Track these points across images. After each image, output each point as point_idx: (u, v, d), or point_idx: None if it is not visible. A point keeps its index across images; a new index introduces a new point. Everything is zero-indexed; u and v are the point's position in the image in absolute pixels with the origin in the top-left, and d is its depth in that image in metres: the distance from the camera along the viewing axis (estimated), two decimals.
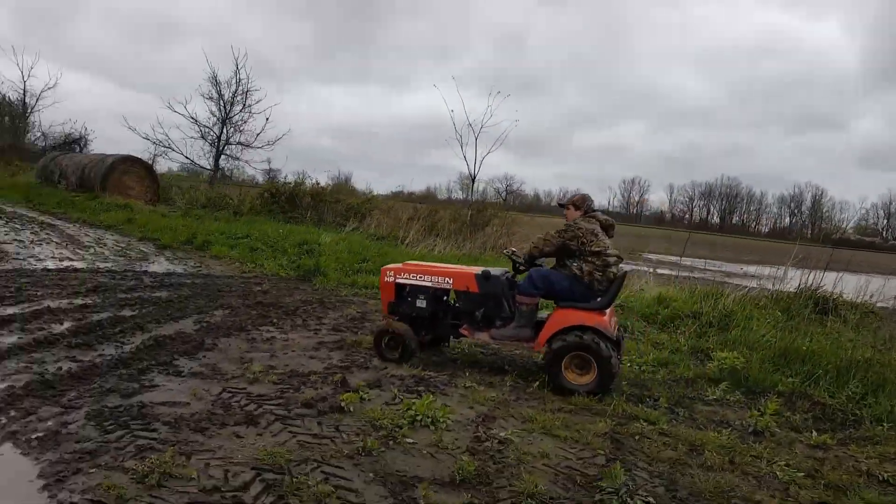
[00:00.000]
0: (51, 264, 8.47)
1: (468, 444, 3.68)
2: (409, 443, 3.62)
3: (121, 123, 26.98)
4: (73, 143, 34.02)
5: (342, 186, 18.34)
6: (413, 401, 4.15)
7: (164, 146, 23.15)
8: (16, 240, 10.56)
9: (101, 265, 8.85)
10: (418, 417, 3.95)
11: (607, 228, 5.35)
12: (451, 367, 5.39)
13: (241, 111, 23.97)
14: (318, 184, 17.62)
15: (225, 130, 23.98)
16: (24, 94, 37.04)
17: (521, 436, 3.89)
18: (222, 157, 24.12)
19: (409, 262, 6.21)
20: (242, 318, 6.33)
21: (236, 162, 24.54)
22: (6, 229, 11.92)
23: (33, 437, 3.19)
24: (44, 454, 3.02)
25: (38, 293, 6.51)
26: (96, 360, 4.54)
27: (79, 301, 6.36)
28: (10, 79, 45.69)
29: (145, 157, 22.94)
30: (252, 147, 23.88)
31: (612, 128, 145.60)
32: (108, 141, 62.39)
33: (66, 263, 8.66)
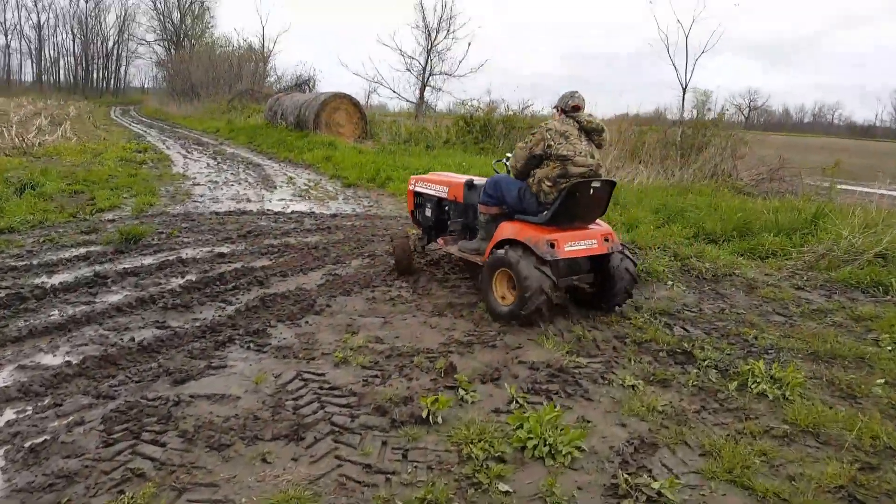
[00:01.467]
0: (225, 207, 8.47)
1: (599, 498, 2.35)
2: (503, 492, 2.40)
3: (339, 63, 27.97)
4: (302, 84, 36.42)
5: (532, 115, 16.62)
6: (530, 412, 2.88)
7: (375, 82, 23.40)
8: (212, 181, 11.02)
9: (271, 207, 8.68)
10: (531, 442, 2.69)
11: (590, 133, 4.47)
12: (612, 349, 3.95)
13: (444, 37, 23.32)
14: (508, 109, 16.28)
15: (429, 60, 23.56)
16: (263, 40, 40.54)
17: (689, 488, 2.44)
18: (427, 88, 23.81)
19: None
20: (378, 270, 5.49)
21: (439, 93, 24.09)
22: (212, 170, 12.63)
23: (27, 445, 2.57)
24: (17, 475, 2.37)
25: (187, 240, 6.32)
26: (185, 327, 3.98)
27: (220, 248, 6.02)
28: (251, 24, 50.24)
29: (361, 94, 23.57)
30: (454, 76, 23.17)
31: (884, 26, 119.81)
32: (330, 83, 66.54)
33: (241, 206, 8.62)
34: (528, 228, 4.36)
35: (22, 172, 9.06)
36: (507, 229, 4.46)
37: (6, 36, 63.43)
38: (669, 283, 5.42)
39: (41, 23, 64.67)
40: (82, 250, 5.68)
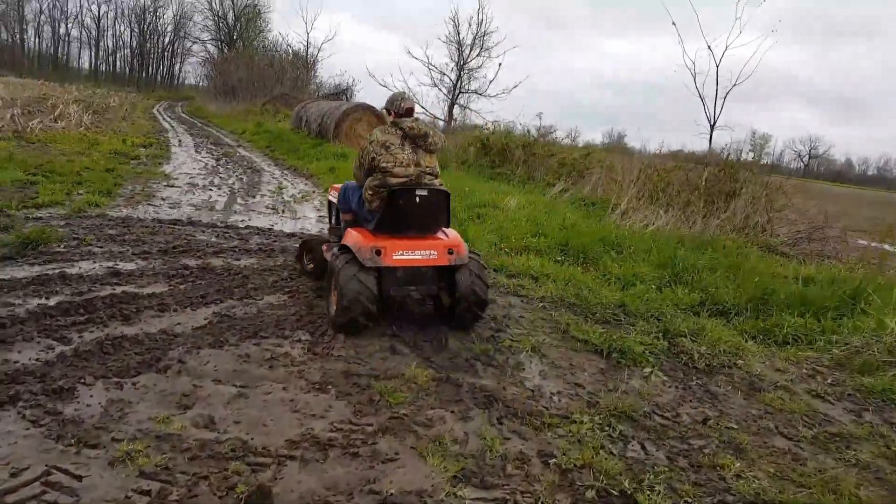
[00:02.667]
0: (177, 214, 7.55)
1: None
2: None
3: (377, 73, 27.35)
4: (340, 93, 36.06)
5: (547, 141, 15.37)
6: None
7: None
8: (192, 184, 10.18)
9: (233, 219, 7.73)
10: None
11: (415, 139, 4.40)
12: (522, 477, 2.80)
13: (477, 55, 22.42)
14: (528, 133, 15.18)
15: (461, 77, 22.66)
16: (307, 46, 40.37)
17: None
18: (455, 106, 22.90)
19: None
20: (288, 312, 4.44)
21: (466, 111, 23.13)
22: (203, 172, 11.86)
23: None
24: None
25: (95, 250, 5.39)
26: None
27: (125, 265, 5.07)
28: (296, 31, 50.66)
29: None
30: (485, 95, 22.19)
31: None
32: (369, 92, 65.89)
33: (197, 214, 7.71)
34: (361, 235, 4.29)
35: None
36: (347, 235, 4.46)
37: (67, 24, 65.41)
38: (648, 369, 4.21)
39: (101, 14, 66.43)
40: None
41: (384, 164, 4.32)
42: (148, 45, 68.56)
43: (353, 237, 4.31)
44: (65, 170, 9.03)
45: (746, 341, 4.89)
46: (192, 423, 2.86)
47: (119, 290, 4.46)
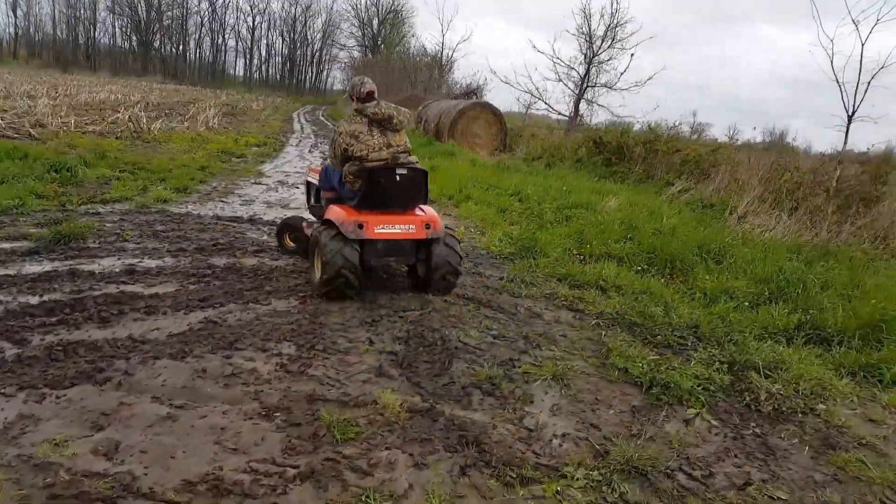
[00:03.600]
0: (241, 212, 7.47)
1: None
2: None
3: (504, 71, 26.85)
4: (471, 93, 35.89)
5: (675, 136, 13.77)
6: None
7: (524, 90, 21.88)
8: (285, 183, 10.22)
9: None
10: None
11: (382, 122, 4.64)
12: None
13: (609, 47, 21.13)
14: (651, 128, 13.84)
15: (589, 70, 21.46)
16: (442, 47, 40.74)
17: None
18: (582, 101, 21.72)
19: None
20: (289, 320, 4.04)
21: (595, 106, 21.84)
22: (297, 172, 11.98)
23: None
24: None
25: (129, 246, 5.34)
26: None
27: (148, 262, 4.95)
28: (431, 32, 51.49)
29: (515, 106, 22.12)
30: (615, 89, 20.82)
31: None
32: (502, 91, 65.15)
33: (259, 212, 7.59)
34: (344, 211, 4.60)
35: (84, 152, 8.93)
36: (329, 211, 4.76)
37: (224, 35, 71.30)
38: (693, 410, 3.32)
39: (254, 24, 71.68)
40: (4, 245, 4.91)
41: (358, 154, 4.61)
42: (298, 52, 73.01)
43: (336, 213, 4.63)
44: (155, 167, 9.39)
45: (841, 379, 3.77)
46: (90, 450, 2.50)
47: (121, 289, 4.30)
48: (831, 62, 8.40)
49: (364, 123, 4.63)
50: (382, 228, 4.54)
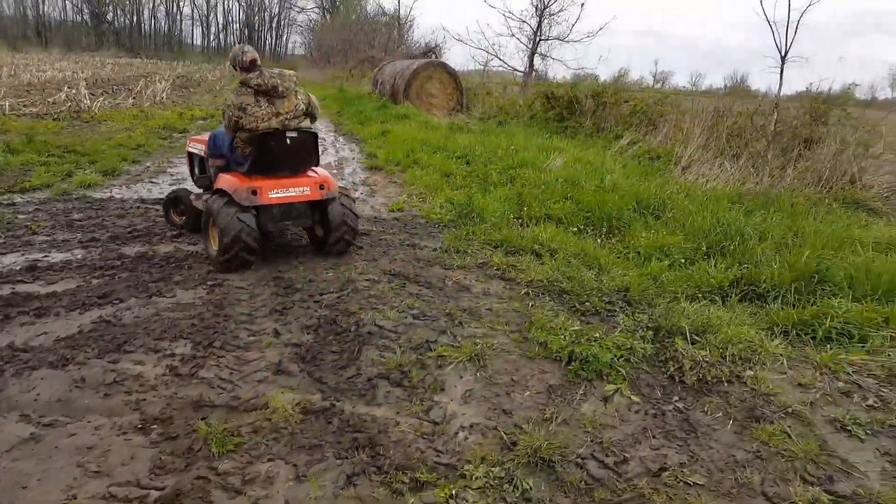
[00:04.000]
0: (160, 194, 7.11)
1: None
2: None
3: (457, 29, 26.13)
4: (429, 52, 35.03)
5: (625, 86, 13.51)
6: None
7: (477, 48, 21.34)
8: None
9: None
10: None
11: (269, 92, 4.56)
12: None
13: None
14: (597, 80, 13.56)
15: (541, 23, 20.96)
16: (399, 6, 39.56)
17: None
18: (535, 56, 21.25)
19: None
20: (193, 313, 3.78)
21: (548, 61, 21.39)
22: None
23: None
24: None
25: (35, 238, 4.98)
26: None
27: (53, 256, 4.63)
28: None
29: (472, 65, 21.56)
30: (567, 41, 20.39)
31: None
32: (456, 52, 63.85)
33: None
34: (236, 178, 4.51)
35: (14, 137, 8.42)
36: (219, 180, 4.65)
37: (178, 3, 68.64)
38: (612, 386, 3.16)
39: None
40: None
41: (248, 126, 4.54)
42: (255, 18, 70.68)
43: (227, 181, 4.54)
44: (88, 148, 8.91)
45: (774, 339, 3.64)
46: None
47: (16, 290, 3.99)
48: (761, 1, 8.15)
49: (250, 94, 4.54)
50: (276, 193, 4.53)
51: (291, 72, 4.79)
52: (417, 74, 19.04)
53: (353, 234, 4.96)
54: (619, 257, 5.21)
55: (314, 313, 3.88)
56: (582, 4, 20.09)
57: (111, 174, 7.73)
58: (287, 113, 4.67)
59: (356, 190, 7.90)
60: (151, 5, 67.04)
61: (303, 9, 66.36)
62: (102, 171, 7.75)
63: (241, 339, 3.52)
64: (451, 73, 19.61)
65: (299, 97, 4.77)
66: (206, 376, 3.11)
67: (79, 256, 4.73)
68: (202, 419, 2.74)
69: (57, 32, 61.16)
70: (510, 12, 21.37)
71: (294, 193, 4.61)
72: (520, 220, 6.28)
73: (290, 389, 3.02)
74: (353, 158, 10.45)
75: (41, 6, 62.10)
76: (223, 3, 72.60)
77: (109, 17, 64.35)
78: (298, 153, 4.68)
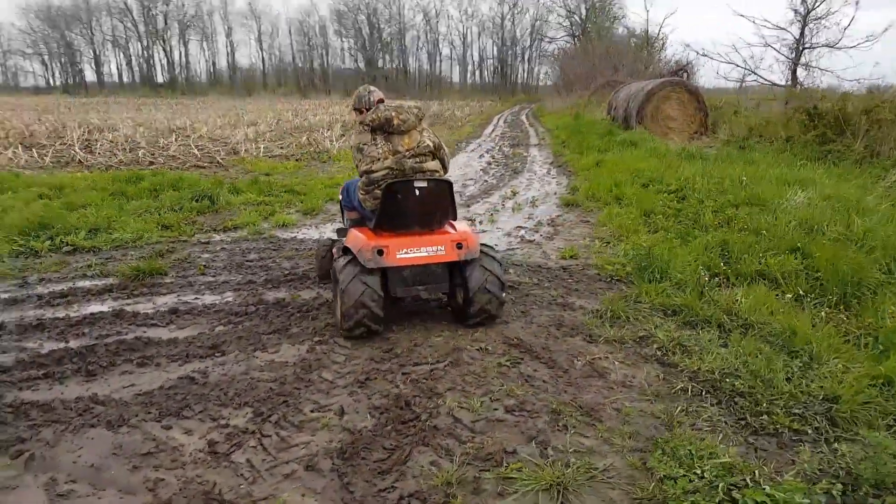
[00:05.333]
0: None
1: None
2: None
3: (703, 45, 23.91)
4: (679, 72, 32.69)
5: None
6: None
7: (727, 62, 19.08)
8: None
9: None
10: None
11: (384, 127, 4.10)
12: None
13: None
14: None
15: (805, 30, 17.96)
16: (647, 25, 37.74)
17: None
18: (798, 67, 18.23)
19: None
20: (243, 381, 3.50)
21: (815, 72, 18.15)
22: (460, 178, 11.49)
23: None
24: None
25: (196, 280, 5.21)
26: None
27: (206, 299, 4.78)
28: (634, 11, 47.82)
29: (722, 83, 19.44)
30: (839, 48, 17.12)
31: None
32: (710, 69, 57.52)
33: None
34: (363, 235, 4.04)
35: (250, 177, 9.43)
36: (349, 236, 4.22)
37: (438, 45, 74.61)
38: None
39: (465, 31, 73.94)
40: (86, 283, 5.12)
41: (364, 168, 4.17)
42: (508, 52, 73.77)
43: (354, 237, 4.11)
44: (305, 189, 9.48)
45: None
46: None
47: (144, 334, 4.10)
48: None
49: (366, 132, 4.18)
50: (406, 253, 3.95)
51: (412, 104, 4.31)
52: (652, 96, 17.58)
53: (497, 303, 4.14)
54: (845, 342, 3.76)
55: (392, 390, 3.32)
56: (857, 2, 16.60)
57: (310, 213, 8.11)
58: (407, 150, 4.16)
59: (537, 231, 7.20)
60: (415, 48, 73.94)
61: (553, 39, 67.27)
62: (304, 210, 8.17)
63: (303, 414, 3.10)
64: (693, 92, 17.73)
65: (424, 134, 4.25)
66: (238, 461, 2.74)
67: (223, 300, 4.81)
68: None
69: (337, 80, 70.66)
70: (765, 20, 18.59)
71: (426, 254, 4.00)
72: (718, 279, 5.01)
73: (309, 493, 2.50)
74: (555, 193, 9.74)
75: (325, 56, 72.35)
76: (478, 40, 77.17)
77: (379, 63, 72.50)
78: (431, 204, 4.07)
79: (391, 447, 2.81)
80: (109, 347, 3.89)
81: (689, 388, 3.33)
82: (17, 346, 3.85)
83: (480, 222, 7.74)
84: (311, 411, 3.14)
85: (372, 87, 4.43)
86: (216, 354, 3.81)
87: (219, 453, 2.79)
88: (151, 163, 12.39)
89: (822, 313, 4.20)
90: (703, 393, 3.28)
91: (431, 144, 4.26)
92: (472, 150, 17.07)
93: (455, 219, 4.26)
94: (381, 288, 3.94)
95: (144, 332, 4.17)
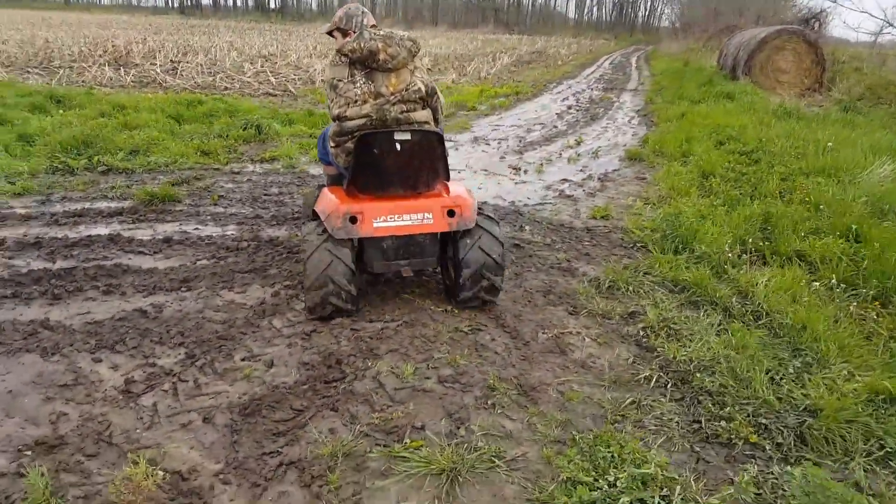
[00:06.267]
0: None
1: None
2: None
3: None
4: (808, 21, 29.42)
5: None
6: None
7: (860, 10, 16.81)
8: (483, 138, 9.48)
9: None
10: None
11: (366, 61, 3.30)
12: None
13: None
14: None
15: None
16: None
17: None
18: None
19: None
20: (193, 320, 3.42)
21: None
22: (524, 123, 10.97)
23: None
24: None
25: (209, 209, 5.22)
26: None
27: (207, 230, 4.79)
28: None
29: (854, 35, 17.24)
30: None
31: None
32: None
33: None
34: (335, 197, 3.38)
35: (298, 109, 9.40)
36: (321, 197, 3.54)
37: None
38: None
39: None
40: (102, 205, 5.24)
41: (336, 112, 3.39)
42: None
43: (324, 199, 3.45)
44: None
45: None
46: None
47: (124, 261, 4.15)
48: None
49: (344, 66, 3.37)
50: (384, 221, 3.31)
51: (406, 35, 3.43)
52: (764, 45, 15.91)
53: (492, 288, 3.49)
54: (866, 344, 3.22)
55: (332, 346, 3.15)
56: None
57: None
58: (392, 94, 3.37)
59: (581, 186, 6.71)
60: None
61: None
62: None
63: (232, 362, 3.01)
64: (811, 44, 15.87)
65: (416, 75, 3.46)
66: (144, 403, 2.68)
67: (227, 233, 4.76)
68: (57, 462, 2.31)
69: (446, 12, 69.10)
70: None
71: (409, 222, 3.34)
72: (750, 256, 4.45)
73: (197, 447, 2.41)
74: (623, 145, 9.05)
75: None
76: None
77: None
78: (415, 162, 3.36)
79: (300, 408, 2.66)
80: (88, 272, 3.94)
81: (655, 377, 2.96)
82: (5, 263, 3.99)
83: (525, 171, 7.32)
84: (242, 359, 3.04)
85: (365, 9, 3.68)
86: (182, 289, 3.78)
87: (131, 393, 2.75)
88: (227, 88, 12.63)
89: (851, 307, 3.60)
90: (668, 386, 2.90)
91: (423, 89, 3.48)
92: (559, 92, 16.26)
93: (448, 179, 3.57)
94: (356, 261, 3.41)
95: (129, 259, 4.21)
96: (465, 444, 2.44)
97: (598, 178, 7.11)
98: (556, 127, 10.73)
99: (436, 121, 3.65)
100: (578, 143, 9.20)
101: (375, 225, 3.29)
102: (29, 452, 2.34)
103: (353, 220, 3.25)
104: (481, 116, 11.58)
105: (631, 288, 3.97)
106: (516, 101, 13.95)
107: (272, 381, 2.85)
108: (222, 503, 2.16)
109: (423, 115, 3.50)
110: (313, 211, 3.52)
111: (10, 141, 6.61)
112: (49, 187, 5.56)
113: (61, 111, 8.30)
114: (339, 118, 3.40)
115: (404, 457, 2.36)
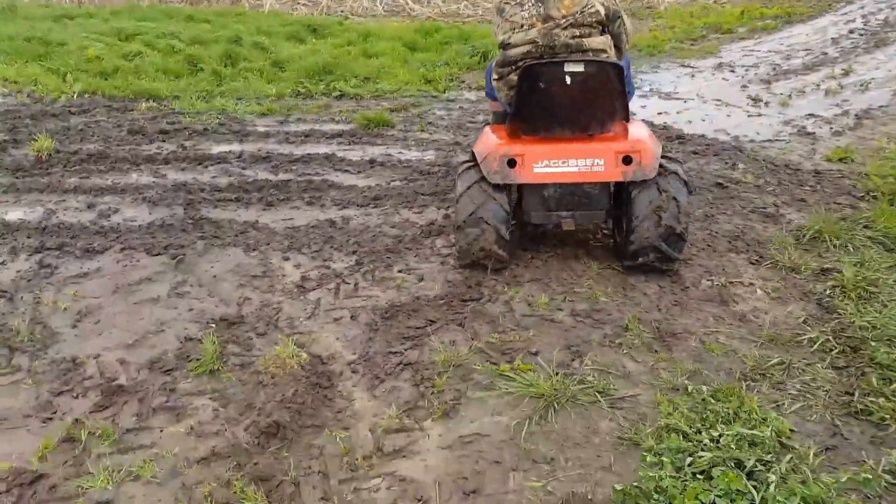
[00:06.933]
0: None
1: None
2: None
3: None
4: None
5: None
6: None
7: None
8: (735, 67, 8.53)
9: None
10: None
11: None
12: None
13: None
14: None
15: None
16: None
17: None
18: None
19: None
20: (376, 230, 3.74)
21: None
22: (804, 48, 9.57)
23: None
24: None
25: (421, 135, 5.58)
26: None
27: (394, 151, 5.17)
28: None
29: None
30: None
31: None
32: None
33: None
34: (493, 136, 3.13)
35: None
36: (481, 137, 3.26)
37: None
38: None
39: None
40: (328, 127, 5.90)
41: (500, 38, 3.13)
42: None
43: (483, 140, 3.18)
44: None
45: None
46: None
47: (328, 177, 4.67)
48: None
49: None
50: (547, 166, 2.96)
51: None
52: None
53: (674, 245, 2.98)
54: None
55: (479, 269, 3.25)
56: None
57: None
58: (563, 17, 2.99)
59: (830, 123, 5.75)
60: None
61: None
62: None
63: (389, 271, 3.32)
64: None
65: None
66: (311, 298, 3.11)
67: (425, 158, 5.06)
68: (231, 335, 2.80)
69: None
70: None
71: (577, 169, 2.96)
72: None
73: (341, 339, 2.76)
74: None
75: None
76: None
77: None
78: (588, 99, 2.97)
79: (432, 319, 2.87)
80: (300, 184, 4.53)
81: (821, 341, 2.57)
82: (239, 172, 4.77)
83: (766, 104, 6.47)
84: (399, 271, 3.32)
85: None
86: (371, 206, 4.17)
87: (304, 288, 3.20)
88: (469, 16, 12.93)
89: None
90: (833, 352, 2.50)
91: (602, 11, 3.04)
92: (846, 13, 13.66)
93: (627, 119, 3.15)
94: (512, 206, 3.17)
95: (336, 176, 4.73)
96: (574, 376, 2.41)
97: (855, 115, 6.00)
98: (824, 54, 9.14)
99: (618, 49, 3.22)
100: (846, 74, 7.76)
101: (536, 170, 2.97)
102: (213, 325, 2.89)
103: (512, 163, 2.96)
104: (735, 41, 10.34)
105: (839, 242, 3.40)
106: (786, 24, 12.08)
107: (416, 293, 3.09)
108: (346, 388, 2.47)
109: (599, 41, 3.05)
110: (471, 152, 3.26)
111: (266, 66, 7.71)
112: (289, 109, 6.42)
113: (314, 40, 9.33)
114: (502, 45, 3.14)
115: (509, 376, 2.43)
